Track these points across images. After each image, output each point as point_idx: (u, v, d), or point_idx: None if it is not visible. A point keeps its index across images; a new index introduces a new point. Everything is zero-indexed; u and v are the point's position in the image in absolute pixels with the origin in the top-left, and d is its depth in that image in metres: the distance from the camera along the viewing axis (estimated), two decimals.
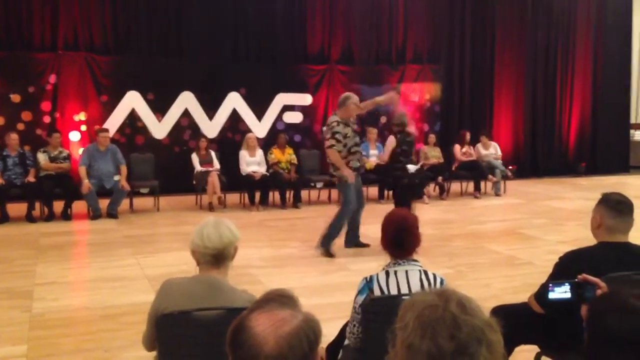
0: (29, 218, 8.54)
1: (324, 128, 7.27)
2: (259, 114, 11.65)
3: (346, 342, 2.96)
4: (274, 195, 10.04)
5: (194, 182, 9.82)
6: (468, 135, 11.39)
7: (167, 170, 10.40)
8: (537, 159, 14.04)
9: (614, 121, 14.63)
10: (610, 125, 14.55)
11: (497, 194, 11.08)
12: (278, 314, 1.30)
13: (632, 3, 14.76)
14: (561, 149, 14.33)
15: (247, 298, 2.58)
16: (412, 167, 8.11)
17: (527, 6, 13.73)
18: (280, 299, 1.35)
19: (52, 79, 10.42)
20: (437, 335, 1.22)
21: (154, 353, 2.64)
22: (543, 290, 2.51)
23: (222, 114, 11.43)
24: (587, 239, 3.09)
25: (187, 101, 11.17)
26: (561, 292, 2.42)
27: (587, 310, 1.54)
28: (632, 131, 15.17)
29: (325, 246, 6.70)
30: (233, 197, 10.01)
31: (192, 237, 2.60)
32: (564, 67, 14.24)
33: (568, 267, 2.81)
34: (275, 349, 1.24)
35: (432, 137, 11.48)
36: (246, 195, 9.88)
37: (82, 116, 10.61)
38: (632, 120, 15.16)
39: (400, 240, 2.84)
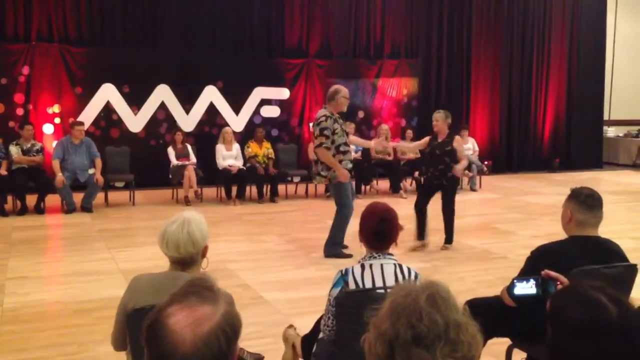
0: (1, 211, 8.40)
1: (312, 124, 6.66)
2: (236, 108, 11.59)
3: (321, 335, 2.97)
4: (251, 190, 10.01)
5: (170, 176, 9.74)
6: None
7: (142, 163, 10.30)
8: (512, 154, 14.19)
9: (588, 117, 14.84)
10: (584, 122, 14.76)
11: (472, 189, 11.18)
12: (197, 310, 1.25)
13: (606, 1, 14.97)
14: (536, 144, 14.50)
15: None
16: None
17: (503, 3, 13.85)
18: (201, 291, 1.30)
19: (25, 70, 10.25)
20: (397, 321, 1.25)
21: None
22: (510, 285, 2.59)
23: (199, 108, 11.34)
24: (560, 233, 3.14)
25: (163, 94, 11.06)
26: (526, 288, 2.51)
27: (549, 303, 1.57)
28: (605, 127, 15.41)
29: (334, 252, 6.35)
30: (210, 191, 9.96)
31: (158, 233, 2.55)
32: (540, 63, 14.39)
33: (539, 261, 2.85)
34: (192, 349, 1.21)
35: (409, 133, 11.54)
36: (223, 189, 9.84)
37: (56, 108, 10.45)
38: (606, 117, 15.39)
39: (382, 231, 2.85)
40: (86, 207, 8.79)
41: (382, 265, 2.82)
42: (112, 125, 10.78)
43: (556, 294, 1.68)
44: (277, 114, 11.90)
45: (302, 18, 12.18)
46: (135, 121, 10.94)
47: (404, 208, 9.03)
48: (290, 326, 3.40)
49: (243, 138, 10.86)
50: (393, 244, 2.91)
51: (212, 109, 11.42)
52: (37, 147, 9.01)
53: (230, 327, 1.27)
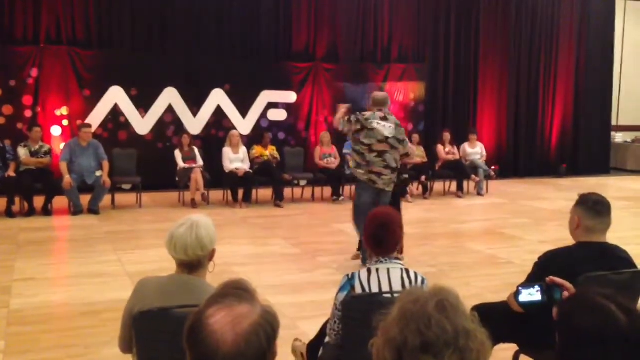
0: (9, 213, 8.44)
1: None
2: (243, 111, 11.61)
3: (327, 339, 2.97)
4: (257, 193, 10.01)
5: (177, 179, 9.76)
6: (447, 135, 11.48)
7: (149, 166, 10.30)
8: (519, 159, 14.14)
9: (596, 123, 14.77)
10: (592, 127, 14.69)
11: (479, 194, 11.15)
12: (236, 309, 1.28)
13: (614, 6, 14.92)
14: (543, 149, 14.45)
15: None
16: None
17: (511, 8, 13.82)
18: (238, 292, 1.33)
19: (34, 72, 10.29)
20: (406, 327, 1.24)
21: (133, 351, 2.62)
22: (516, 292, 2.57)
23: (206, 111, 11.37)
24: (567, 239, 3.12)
25: (170, 97, 11.08)
26: (531, 295, 2.48)
27: (557, 311, 1.56)
28: (612, 133, 15.33)
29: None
30: (216, 194, 9.97)
31: (166, 236, 2.54)
32: (547, 68, 14.35)
33: (546, 267, 2.84)
34: (233, 347, 1.23)
35: (415, 137, 11.53)
36: (229, 192, 9.85)
37: (64, 111, 10.49)
38: (613, 122, 15.32)
39: (380, 237, 2.85)
40: (93, 209, 8.82)
41: (388, 269, 2.82)
42: (120, 127, 10.81)
43: (564, 301, 1.67)
44: (284, 118, 11.91)
45: (310, 22, 12.19)
46: (142, 124, 10.97)
47: (410, 212, 9.04)
48: (297, 340, 3.46)
49: (250, 141, 10.86)
50: (397, 249, 2.91)
51: (219, 112, 11.43)
52: (45, 149, 9.05)
53: (269, 324, 1.30)
